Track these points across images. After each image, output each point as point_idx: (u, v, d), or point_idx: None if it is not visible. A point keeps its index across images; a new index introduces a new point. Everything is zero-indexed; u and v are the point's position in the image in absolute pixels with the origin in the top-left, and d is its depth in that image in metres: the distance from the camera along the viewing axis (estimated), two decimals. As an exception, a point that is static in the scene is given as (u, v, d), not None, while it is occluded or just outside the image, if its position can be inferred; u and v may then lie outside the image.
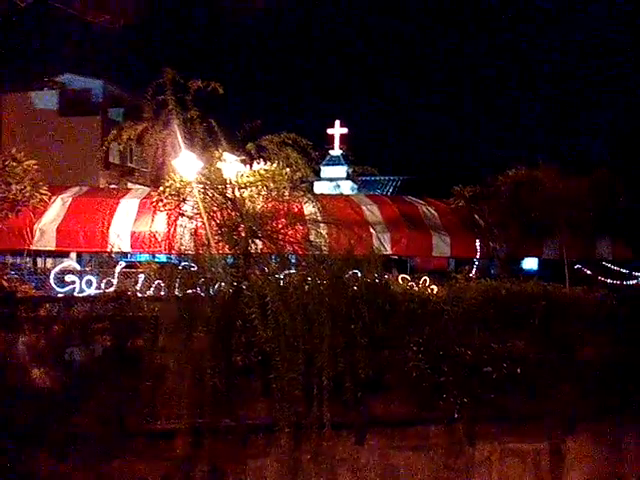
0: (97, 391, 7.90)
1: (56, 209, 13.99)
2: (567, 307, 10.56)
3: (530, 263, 17.51)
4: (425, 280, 11.74)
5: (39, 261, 16.10)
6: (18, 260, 15.41)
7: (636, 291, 14.18)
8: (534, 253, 15.86)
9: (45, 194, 12.72)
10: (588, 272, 14.95)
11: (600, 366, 9.90)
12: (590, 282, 13.40)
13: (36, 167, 12.22)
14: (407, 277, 11.94)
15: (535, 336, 10.00)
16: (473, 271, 14.23)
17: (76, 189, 15.25)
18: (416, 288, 11.32)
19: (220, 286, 8.79)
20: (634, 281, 15.16)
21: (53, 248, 13.86)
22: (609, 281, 14.66)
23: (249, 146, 9.49)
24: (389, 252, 14.19)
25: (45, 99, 25.86)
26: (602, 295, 11.21)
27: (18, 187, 11.82)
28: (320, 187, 24.13)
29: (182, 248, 8.92)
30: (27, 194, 12.08)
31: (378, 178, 28.46)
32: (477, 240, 14.71)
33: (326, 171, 27.18)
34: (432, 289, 11.31)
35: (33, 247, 13.76)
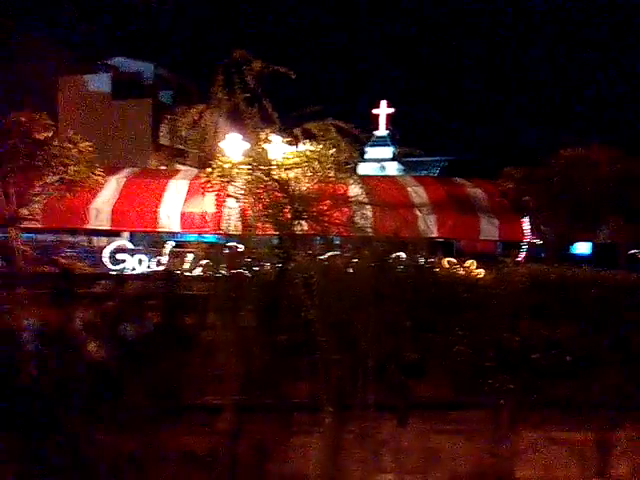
0: (148, 366, 8.20)
1: (111, 190, 14.42)
2: (621, 294, 10.18)
3: (583, 247, 16.92)
4: (472, 263, 11.55)
5: (94, 239, 16.72)
6: (74, 238, 16.03)
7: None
8: (586, 237, 15.34)
9: (100, 175, 13.17)
10: (644, 258, 14.35)
11: (654, 356, 9.54)
12: (647, 268, 12.85)
13: (91, 149, 12.64)
14: (453, 260, 11.77)
15: (586, 324, 9.70)
16: (522, 255, 13.89)
17: (129, 170, 15.67)
18: (462, 272, 11.16)
19: (266, 266, 8.92)
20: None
21: (108, 228, 14.31)
22: (667, 267, 14.01)
23: (296, 131, 9.52)
24: (435, 235, 14.00)
25: (98, 82, 26.56)
26: (659, 282, 10.73)
27: (75, 168, 12.28)
28: (365, 168, 23.95)
29: (229, 229, 9.09)
30: (83, 175, 12.54)
31: (424, 159, 27.95)
32: (526, 223, 14.31)
33: (371, 152, 26.88)
34: (479, 273, 11.12)
35: (89, 226, 14.26)
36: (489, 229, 14.43)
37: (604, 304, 9.93)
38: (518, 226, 14.40)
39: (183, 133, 9.73)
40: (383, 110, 27.03)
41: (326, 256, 9.07)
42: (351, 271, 8.59)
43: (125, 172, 15.34)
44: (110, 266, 12.10)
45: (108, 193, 14.31)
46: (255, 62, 8.90)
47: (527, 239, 14.33)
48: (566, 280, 10.28)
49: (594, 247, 16.38)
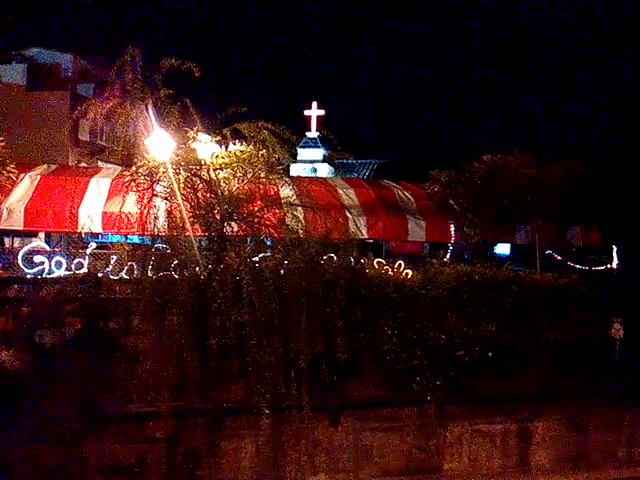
0: (69, 374, 7.76)
1: (24, 188, 13.57)
2: (537, 292, 10.78)
3: (503, 248, 17.78)
4: (400, 264, 11.82)
5: (6, 241, 15.67)
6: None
7: (604, 276, 14.54)
8: (507, 238, 16.10)
9: (12, 172, 12.34)
10: (559, 258, 15.26)
11: (568, 350, 10.17)
12: (561, 268, 13.68)
13: (3, 144, 11.84)
14: (382, 261, 11.98)
15: (506, 320, 10.20)
16: (447, 256, 14.38)
17: (44, 167, 14.80)
18: (391, 272, 11.39)
19: (195, 269, 8.69)
20: (602, 267, 15.54)
21: (21, 228, 13.47)
22: (578, 267, 15.00)
23: (226, 131, 9.36)
24: (365, 236, 14.21)
25: (12, 73, 24.94)
26: (571, 281, 11.46)
27: (-16, 164, 11.44)
28: (296, 169, 23.96)
29: (156, 230, 8.77)
30: (-7, 172, 11.71)
31: (355, 161, 28.39)
32: (452, 225, 14.83)
33: (303, 153, 26.92)
34: (407, 273, 11.40)
35: (0, 227, 13.37)
36: (417, 231, 14.86)
37: (523, 302, 10.48)
38: (444, 228, 14.91)
39: (92, 126, 9.33)
40: (314, 111, 27.14)
41: (257, 258, 8.96)
42: (282, 273, 8.53)
43: (40, 169, 14.47)
44: (25, 269, 11.33)
45: (21, 191, 13.46)
46: (165, 60, 8.69)
47: (452, 240, 14.86)
48: (488, 280, 10.74)
49: (513, 248, 17.26)
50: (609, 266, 15.60)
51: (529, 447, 9.91)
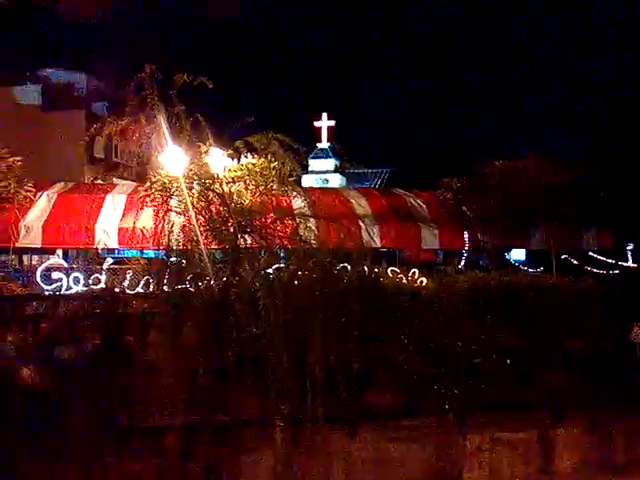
0: (88, 389, 7.83)
1: (42, 206, 13.79)
2: (555, 298, 10.65)
3: (518, 254, 17.64)
4: (414, 272, 11.77)
5: (24, 258, 15.89)
6: (2, 258, 15.19)
7: (621, 280, 14.35)
8: (522, 244, 15.97)
9: (30, 190, 12.57)
10: (575, 262, 15.11)
11: (588, 355, 10.03)
12: (577, 272, 13.53)
13: (20, 163, 12.07)
14: (396, 270, 11.95)
15: (524, 327, 10.08)
16: (462, 263, 14.31)
17: (61, 185, 15.03)
18: (405, 281, 11.35)
19: (210, 282, 8.75)
20: (618, 270, 15.35)
21: (39, 245, 13.66)
22: (595, 271, 14.83)
23: (238, 143, 9.45)
24: (378, 245, 14.21)
25: (27, 94, 25.50)
26: (589, 285, 11.33)
27: (2, 184, 11.67)
28: (308, 180, 24.11)
29: (170, 244, 8.86)
30: (12, 191, 11.94)
31: (366, 170, 28.48)
32: (465, 232, 14.76)
33: (314, 164, 27.10)
34: (421, 281, 11.35)
35: (19, 244, 13.57)
36: (430, 238, 14.79)
37: (540, 308, 10.36)
38: (458, 235, 14.83)
39: (106, 143, 9.48)
40: (324, 122, 27.30)
41: (271, 269, 9.00)
42: (297, 283, 8.55)
43: (57, 187, 14.69)
44: (44, 286, 11.49)
45: (39, 209, 13.67)
46: (178, 75, 8.82)
47: (467, 247, 14.77)
48: (504, 286, 10.65)
49: (528, 253, 17.14)
50: (625, 269, 15.40)
51: (551, 455, 9.76)
